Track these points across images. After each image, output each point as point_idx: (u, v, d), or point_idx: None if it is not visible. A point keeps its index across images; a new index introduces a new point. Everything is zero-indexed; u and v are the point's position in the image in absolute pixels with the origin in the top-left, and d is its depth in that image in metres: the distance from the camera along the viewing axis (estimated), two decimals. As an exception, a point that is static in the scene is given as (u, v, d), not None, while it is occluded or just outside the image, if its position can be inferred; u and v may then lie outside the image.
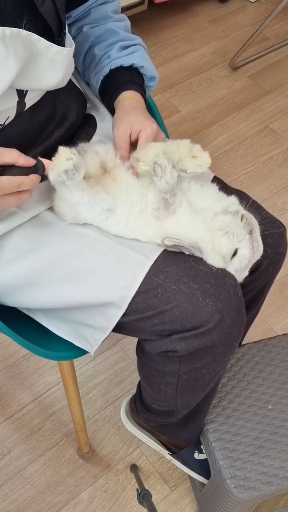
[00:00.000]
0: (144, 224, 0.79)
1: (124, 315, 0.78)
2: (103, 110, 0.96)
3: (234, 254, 0.76)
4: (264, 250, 0.82)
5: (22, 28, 0.66)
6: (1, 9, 0.66)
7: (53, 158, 0.72)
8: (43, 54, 0.71)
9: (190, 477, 1.22)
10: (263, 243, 0.81)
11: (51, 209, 0.83)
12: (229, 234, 0.75)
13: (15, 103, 0.75)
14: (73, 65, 0.82)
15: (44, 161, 0.72)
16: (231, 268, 0.78)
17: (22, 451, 1.30)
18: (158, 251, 0.78)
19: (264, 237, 0.82)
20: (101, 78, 0.92)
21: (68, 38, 0.77)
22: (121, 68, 0.91)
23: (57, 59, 0.73)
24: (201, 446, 1.10)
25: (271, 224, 0.90)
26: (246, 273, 0.80)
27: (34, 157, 0.71)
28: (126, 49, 0.92)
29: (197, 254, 0.77)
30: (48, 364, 1.44)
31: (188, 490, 1.26)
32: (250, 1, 2.60)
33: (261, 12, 2.54)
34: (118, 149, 0.83)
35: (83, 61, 0.96)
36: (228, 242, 0.75)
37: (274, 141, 2.01)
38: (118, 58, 0.91)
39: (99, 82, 0.93)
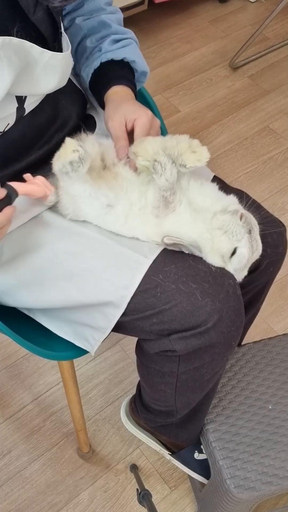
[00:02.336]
0: (143, 223, 0.79)
1: (123, 314, 0.78)
2: (101, 110, 0.95)
3: (233, 253, 0.76)
4: (264, 250, 0.82)
5: (14, 36, 0.65)
6: None
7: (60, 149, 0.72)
8: (38, 60, 0.69)
9: (190, 477, 1.21)
10: (263, 242, 0.81)
11: (50, 209, 0.83)
12: (228, 233, 0.75)
13: (15, 110, 0.74)
14: (71, 66, 0.81)
15: (14, 184, 0.69)
16: (230, 267, 0.78)
17: (22, 451, 1.30)
18: (157, 251, 0.77)
19: (264, 236, 0.82)
20: (92, 71, 0.90)
21: (65, 40, 0.76)
22: (112, 62, 0.89)
23: (52, 64, 0.72)
24: (201, 446, 1.10)
25: (271, 224, 0.90)
26: (245, 272, 0.80)
27: (7, 181, 0.69)
28: (117, 43, 0.91)
29: (196, 253, 0.77)
30: (48, 364, 1.44)
31: (188, 490, 1.25)
32: (250, 1, 2.60)
33: (261, 12, 2.54)
34: (117, 140, 0.82)
35: (75, 53, 0.94)
36: (227, 241, 0.75)
37: (274, 141, 2.01)
38: (109, 52, 0.89)
39: (90, 76, 0.91)
